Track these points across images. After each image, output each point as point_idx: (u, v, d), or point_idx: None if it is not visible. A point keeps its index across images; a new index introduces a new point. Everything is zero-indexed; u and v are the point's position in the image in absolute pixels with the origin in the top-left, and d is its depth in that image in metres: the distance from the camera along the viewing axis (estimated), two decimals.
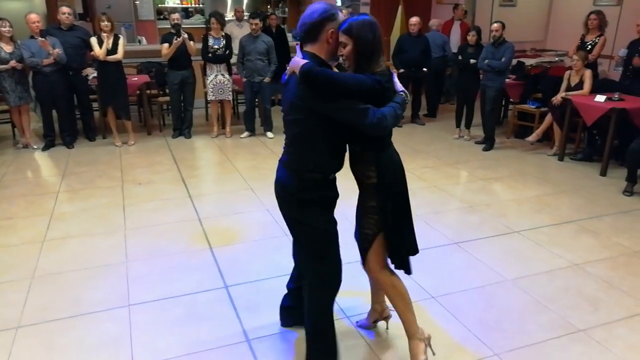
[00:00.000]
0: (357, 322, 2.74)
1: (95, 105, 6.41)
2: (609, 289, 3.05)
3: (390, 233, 2.22)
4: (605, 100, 5.04)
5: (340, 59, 2.08)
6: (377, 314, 2.65)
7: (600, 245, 3.62)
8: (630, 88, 5.42)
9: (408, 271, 2.31)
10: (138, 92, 6.48)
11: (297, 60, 1.98)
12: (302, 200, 2.13)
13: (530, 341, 2.57)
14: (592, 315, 2.78)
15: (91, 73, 6.01)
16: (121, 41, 5.72)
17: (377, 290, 2.58)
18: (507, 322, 2.73)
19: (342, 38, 2.03)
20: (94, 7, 8.42)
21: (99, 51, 5.55)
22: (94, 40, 5.60)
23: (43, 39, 5.35)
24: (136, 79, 6.48)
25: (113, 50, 5.63)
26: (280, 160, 2.17)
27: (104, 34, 5.57)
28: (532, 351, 2.50)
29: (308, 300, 2.25)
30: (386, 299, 2.50)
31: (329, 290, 2.26)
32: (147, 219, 4.05)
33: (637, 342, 2.56)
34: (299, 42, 2.13)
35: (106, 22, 5.59)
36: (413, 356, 2.30)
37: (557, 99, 5.46)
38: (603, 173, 5.09)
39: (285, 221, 2.24)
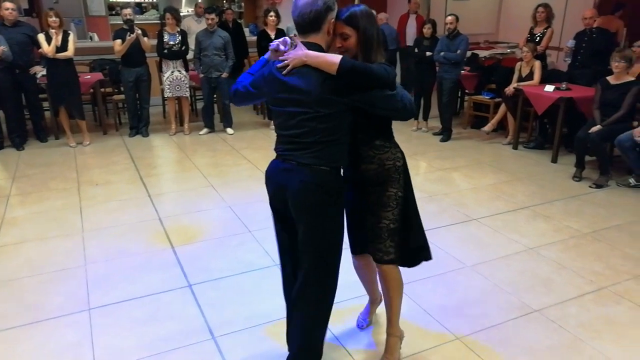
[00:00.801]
0: (358, 325, 2.65)
1: (45, 104, 6.18)
2: (561, 270, 3.20)
3: (409, 227, 2.22)
4: (553, 90, 5.25)
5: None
6: (376, 305, 2.65)
7: (553, 229, 3.78)
8: (576, 78, 5.66)
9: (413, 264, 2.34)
10: (92, 90, 6.30)
11: (309, 54, 1.87)
12: (341, 195, 2.04)
13: (489, 324, 2.66)
14: (546, 296, 2.91)
15: (39, 71, 5.79)
16: (71, 37, 5.53)
17: (373, 284, 2.54)
18: (468, 307, 2.82)
19: (345, 29, 1.96)
20: (41, 3, 8.09)
21: (47, 48, 5.34)
22: (41, 37, 5.39)
23: None
24: (89, 77, 6.28)
25: (63, 48, 5.43)
26: (301, 163, 1.95)
27: (52, 31, 5.36)
28: (492, 333, 2.59)
29: (308, 319, 2.14)
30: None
31: (330, 301, 2.16)
32: (105, 220, 3.95)
33: (588, 319, 2.69)
34: (294, 34, 2.02)
35: (54, 18, 5.39)
36: (389, 352, 2.34)
37: (509, 89, 5.65)
38: (554, 160, 5.31)
39: (302, 222, 2.02)
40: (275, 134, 2.11)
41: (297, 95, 1.92)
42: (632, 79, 4.63)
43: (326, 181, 1.98)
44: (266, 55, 2.09)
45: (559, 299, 2.88)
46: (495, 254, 3.40)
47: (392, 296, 2.30)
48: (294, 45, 1.94)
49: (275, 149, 2.09)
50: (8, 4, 5.51)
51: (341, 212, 2.07)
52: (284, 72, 1.93)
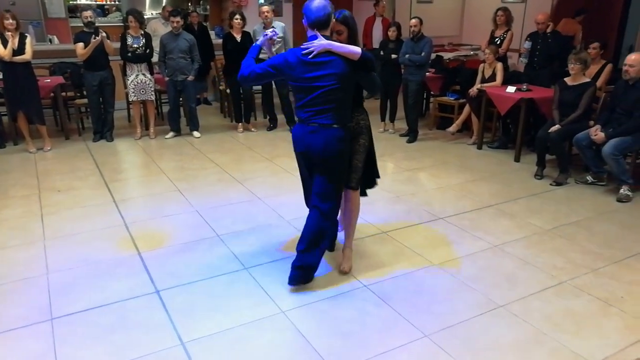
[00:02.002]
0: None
1: (2, 109, 5.97)
2: (525, 265, 3.29)
3: (371, 163, 3.20)
4: (515, 91, 5.40)
5: None
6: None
7: (516, 226, 3.88)
8: (535, 78, 5.84)
9: (365, 193, 3.32)
10: (52, 94, 6.12)
11: (333, 44, 2.70)
12: (347, 142, 2.93)
13: (456, 320, 2.72)
14: (510, 292, 2.99)
15: None
16: (28, 40, 5.36)
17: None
18: (435, 304, 2.87)
19: (340, 27, 2.86)
20: None
21: (3, 51, 5.16)
22: None
23: None
24: (49, 80, 6.10)
25: (20, 51, 5.26)
26: (324, 124, 2.79)
27: (8, 33, 5.19)
28: (459, 329, 2.64)
29: (321, 221, 2.95)
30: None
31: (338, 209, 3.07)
32: (68, 227, 3.85)
33: (551, 313, 2.78)
34: (311, 28, 2.75)
35: (11, 20, 5.21)
36: (346, 260, 3.21)
37: (473, 90, 5.78)
38: (517, 159, 5.46)
39: (324, 167, 2.87)
40: (295, 109, 2.92)
41: (324, 72, 2.72)
42: (588, 80, 4.81)
43: (340, 135, 2.84)
44: (259, 42, 3.03)
45: (523, 294, 2.96)
46: (462, 251, 3.48)
47: (352, 216, 3.21)
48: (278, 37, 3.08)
49: (299, 117, 2.88)
50: None
51: (349, 153, 2.98)
52: (311, 56, 2.70)
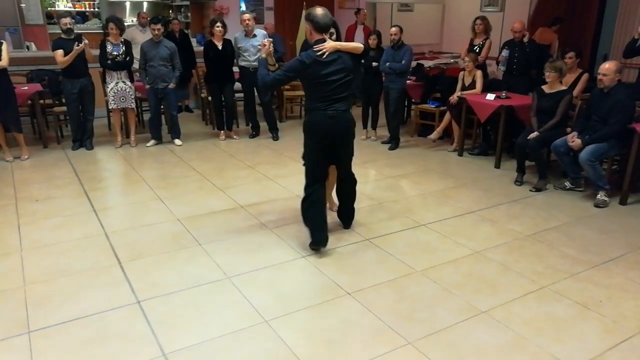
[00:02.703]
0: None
1: None
2: (506, 271, 3.33)
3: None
4: (494, 99, 5.48)
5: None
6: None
7: (497, 232, 3.93)
8: (513, 85, 5.94)
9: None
10: (30, 102, 6.01)
11: (339, 43, 3.37)
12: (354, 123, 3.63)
13: (440, 327, 2.73)
14: (492, 297, 3.02)
15: None
16: (4, 47, 5.27)
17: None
18: (419, 311, 2.88)
19: (331, 29, 3.48)
20: None
21: None
22: None
23: None
24: (26, 88, 5.99)
25: None
26: (340, 110, 3.40)
27: None
28: (442, 336, 2.66)
29: (352, 185, 3.82)
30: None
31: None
32: (46, 237, 3.77)
33: (532, 318, 2.81)
34: (319, 33, 3.34)
35: None
36: (331, 203, 4.12)
37: (453, 98, 5.85)
38: (497, 165, 5.54)
39: (344, 145, 3.56)
40: (310, 101, 3.45)
41: (336, 68, 3.30)
42: (565, 88, 4.91)
43: (352, 119, 3.56)
44: (263, 55, 3.46)
45: (504, 299, 2.99)
46: (444, 258, 3.50)
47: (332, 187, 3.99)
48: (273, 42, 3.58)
49: (315, 107, 3.39)
50: None
51: None
52: (324, 56, 3.25)
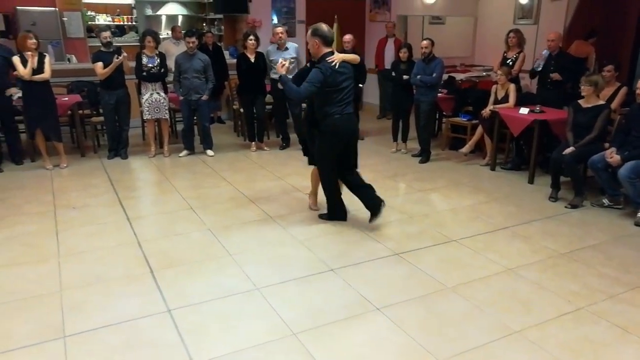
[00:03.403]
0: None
1: (21, 126, 6.07)
2: (540, 290, 3.24)
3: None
4: (528, 113, 5.38)
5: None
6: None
7: (531, 249, 3.83)
8: (549, 100, 5.81)
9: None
10: (69, 112, 6.22)
11: (343, 55, 3.94)
12: None
13: (471, 346, 2.67)
14: (526, 317, 2.94)
15: (15, 93, 5.70)
16: (47, 59, 5.48)
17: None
18: (449, 329, 2.82)
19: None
20: (17, 24, 8.00)
21: (23, 71, 5.28)
22: (16, 60, 5.32)
23: None
24: (67, 99, 6.20)
25: (39, 70, 5.37)
26: (350, 113, 3.97)
27: (28, 53, 5.30)
28: (474, 355, 2.60)
29: (360, 177, 4.22)
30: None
31: None
32: (82, 244, 3.87)
33: (568, 340, 2.72)
34: (326, 46, 3.86)
35: (33, 40, 5.34)
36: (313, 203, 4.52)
37: (486, 111, 5.77)
38: (531, 181, 5.42)
39: (353, 144, 4.12)
40: (328, 106, 3.88)
41: (346, 76, 3.88)
42: (603, 102, 4.78)
43: (356, 121, 4.24)
44: (282, 71, 3.95)
45: (539, 319, 2.91)
46: (475, 275, 3.43)
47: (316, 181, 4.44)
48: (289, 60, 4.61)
49: (332, 112, 3.86)
50: None
51: None
52: (337, 66, 3.77)
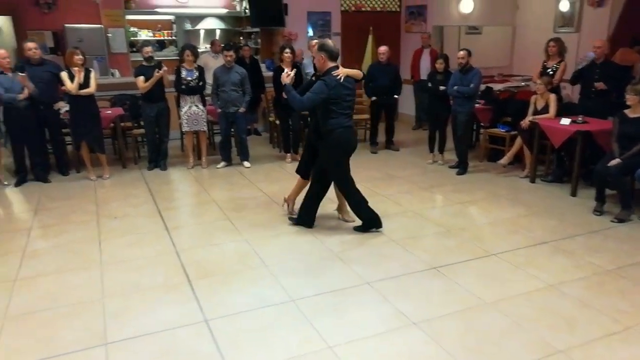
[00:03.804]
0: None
1: (68, 139, 6.33)
2: (585, 308, 3.11)
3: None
4: (570, 124, 5.23)
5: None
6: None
7: (574, 265, 3.70)
8: (592, 110, 5.63)
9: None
10: (112, 125, 6.43)
11: (347, 70, 4.03)
12: None
13: None
14: (570, 335, 2.83)
15: (63, 107, 5.95)
16: (93, 74, 5.70)
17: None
18: (488, 345, 2.75)
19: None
20: (65, 41, 8.38)
21: (70, 86, 5.51)
22: (64, 75, 5.56)
23: (23, 74, 5.32)
24: (110, 112, 6.43)
25: (85, 84, 5.59)
26: (352, 126, 4.20)
27: (75, 68, 5.54)
28: None
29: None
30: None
31: None
32: (123, 253, 3.98)
33: None
34: (332, 60, 4.02)
35: (80, 56, 5.58)
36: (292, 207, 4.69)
37: (525, 122, 5.64)
38: (573, 193, 5.24)
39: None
40: (333, 118, 4.01)
41: (350, 90, 4.04)
42: None
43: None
44: (287, 81, 4.09)
45: (584, 339, 2.80)
46: (516, 290, 3.34)
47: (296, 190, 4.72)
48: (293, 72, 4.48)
49: (340, 123, 4.00)
50: (30, 45, 5.71)
51: None
52: (341, 80, 3.93)
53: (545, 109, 5.62)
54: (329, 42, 4.08)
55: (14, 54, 7.78)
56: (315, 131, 4.25)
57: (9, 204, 5.34)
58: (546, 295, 3.27)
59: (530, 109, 5.77)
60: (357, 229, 4.34)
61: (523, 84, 7.90)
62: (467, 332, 2.87)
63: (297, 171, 4.60)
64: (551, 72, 5.98)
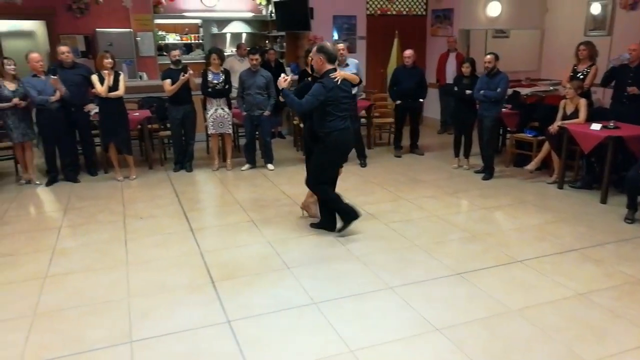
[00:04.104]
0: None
1: (97, 140, 6.48)
2: (615, 318, 3.03)
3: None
4: (601, 129, 5.10)
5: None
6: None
7: (604, 273, 3.60)
8: (624, 115, 5.48)
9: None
10: (139, 126, 6.56)
11: (344, 74, 4.16)
12: None
13: None
14: (599, 346, 2.75)
15: (93, 109, 6.09)
16: (122, 77, 5.82)
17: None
18: (513, 354, 2.70)
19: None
20: (96, 45, 8.59)
21: (100, 88, 5.64)
22: (94, 78, 5.69)
23: (55, 77, 5.48)
24: (137, 114, 6.55)
25: (114, 87, 5.71)
26: (349, 128, 4.19)
27: (105, 71, 5.67)
28: None
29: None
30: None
31: None
32: (149, 253, 4.04)
33: None
34: (331, 63, 4.05)
35: (110, 59, 5.71)
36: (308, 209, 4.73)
37: (553, 127, 5.53)
38: (603, 200, 5.11)
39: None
40: (331, 121, 4.05)
41: (346, 92, 4.11)
42: None
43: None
44: (284, 85, 4.09)
45: (615, 350, 2.72)
46: (542, 298, 3.27)
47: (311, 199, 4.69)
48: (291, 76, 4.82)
49: (337, 125, 4.04)
50: (63, 48, 5.89)
51: None
52: (339, 82, 3.97)
53: (575, 114, 5.50)
54: (328, 44, 4.14)
55: (47, 58, 8.02)
56: (310, 134, 4.27)
57: (41, 203, 5.48)
58: (574, 304, 3.19)
59: (560, 114, 5.65)
60: (314, 226, 4.48)
61: (551, 88, 7.74)
62: (492, 340, 2.82)
63: (306, 183, 4.40)
64: (581, 77, 5.86)
